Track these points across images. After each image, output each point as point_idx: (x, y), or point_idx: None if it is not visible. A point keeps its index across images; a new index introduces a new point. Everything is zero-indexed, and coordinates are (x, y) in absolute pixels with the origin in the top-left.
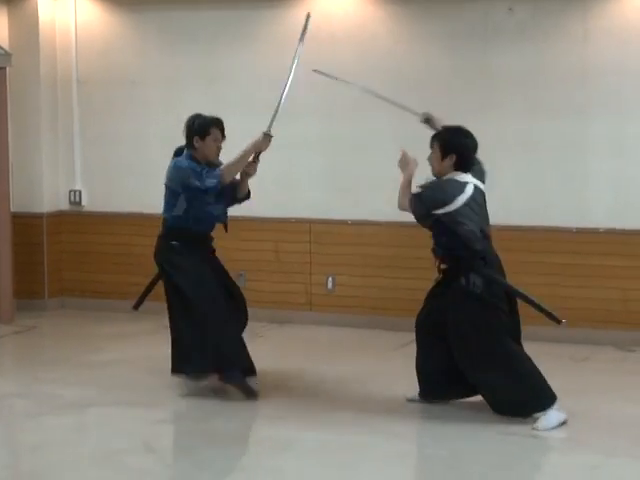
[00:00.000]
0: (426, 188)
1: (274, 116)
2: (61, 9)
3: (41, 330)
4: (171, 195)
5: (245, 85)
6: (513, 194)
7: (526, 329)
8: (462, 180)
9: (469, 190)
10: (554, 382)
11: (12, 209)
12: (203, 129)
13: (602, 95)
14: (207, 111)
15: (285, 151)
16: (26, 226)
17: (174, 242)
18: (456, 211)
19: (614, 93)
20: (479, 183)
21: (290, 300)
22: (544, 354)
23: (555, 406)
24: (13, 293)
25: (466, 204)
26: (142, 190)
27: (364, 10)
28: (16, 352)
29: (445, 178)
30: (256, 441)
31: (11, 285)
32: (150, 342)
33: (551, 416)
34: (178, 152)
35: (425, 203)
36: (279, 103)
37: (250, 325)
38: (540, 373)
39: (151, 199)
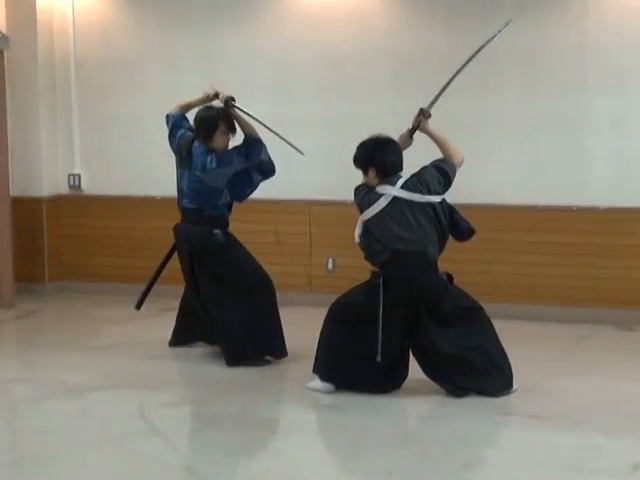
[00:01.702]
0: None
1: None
2: None
3: (42, 314)
4: (213, 192)
5: (243, 66)
6: (511, 172)
7: (529, 309)
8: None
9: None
10: (555, 361)
11: (12, 193)
12: (209, 129)
13: (601, 72)
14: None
15: (284, 131)
16: (26, 210)
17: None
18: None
19: (613, 69)
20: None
21: (290, 282)
22: (546, 333)
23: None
24: (13, 277)
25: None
26: (142, 173)
27: None
28: (17, 336)
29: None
30: (259, 424)
31: (11, 269)
32: (150, 325)
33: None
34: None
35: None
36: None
37: None
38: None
39: (150, 182)
